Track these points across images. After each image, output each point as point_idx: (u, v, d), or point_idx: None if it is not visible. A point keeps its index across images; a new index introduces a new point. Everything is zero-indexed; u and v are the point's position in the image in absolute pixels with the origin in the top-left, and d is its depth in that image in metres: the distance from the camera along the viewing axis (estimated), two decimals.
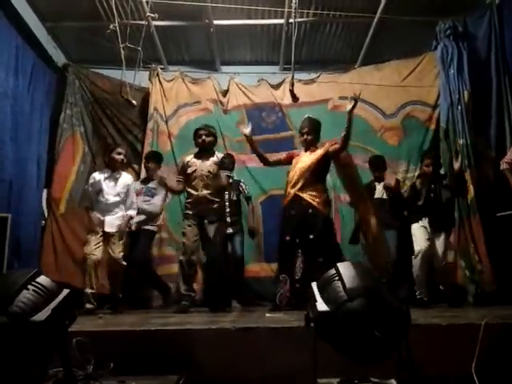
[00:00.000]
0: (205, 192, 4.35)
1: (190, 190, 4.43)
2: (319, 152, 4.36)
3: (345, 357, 1.66)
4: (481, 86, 5.30)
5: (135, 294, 5.13)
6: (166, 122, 6.20)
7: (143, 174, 5.62)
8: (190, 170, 4.44)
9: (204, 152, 4.49)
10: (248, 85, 6.45)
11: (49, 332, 1.64)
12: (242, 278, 5.34)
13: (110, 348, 2.24)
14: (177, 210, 5.52)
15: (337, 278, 1.73)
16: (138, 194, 5.02)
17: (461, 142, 5.20)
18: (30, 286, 1.69)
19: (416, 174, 5.59)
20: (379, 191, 5.07)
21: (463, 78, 5.34)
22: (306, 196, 4.22)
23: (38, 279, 1.74)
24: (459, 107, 5.27)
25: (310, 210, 4.18)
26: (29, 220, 5.27)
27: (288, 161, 4.52)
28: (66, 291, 1.80)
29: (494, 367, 2.20)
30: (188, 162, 4.51)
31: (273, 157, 4.75)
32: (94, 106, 6.19)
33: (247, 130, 4.45)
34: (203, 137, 4.49)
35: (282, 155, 4.68)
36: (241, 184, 5.36)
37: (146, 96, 6.26)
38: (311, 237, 4.13)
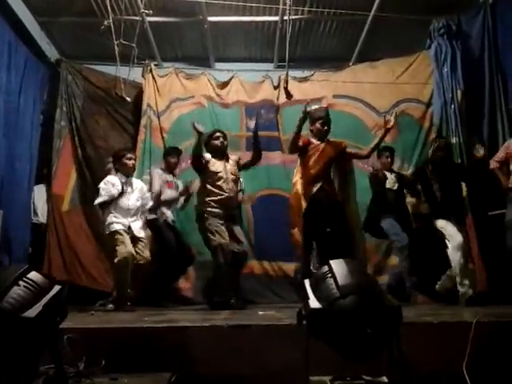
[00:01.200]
0: (232, 195, 4.45)
1: (214, 189, 4.41)
2: (342, 144, 4.50)
3: (337, 354, 1.67)
4: (474, 84, 5.34)
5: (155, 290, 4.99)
6: (159, 118, 6.16)
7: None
8: (212, 168, 4.45)
9: (221, 155, 4.53)
10: (251, 82, 6.42)
11: (40, 329, 1.62)
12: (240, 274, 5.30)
13: (101, 345, 2.23)
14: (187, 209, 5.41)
15: (329, 275, 1.73)
16: (169, 186, 5.09)
17: (454, 140, 5.23)
18: (20, 282, 1.68)
19: (409, 172, 5.59)
20: (391, 181, 5.01)
21: (457, 77, 5.37)
22: (329, 188, 4.36)
23: (29, 275, 1.72)
24: (452, 106, 5.30)
25: (334, 202, 4.32)
26: (20, 217, 5.25)
27: (304, 147, 4.44)
28: (57, 287, 1.78)
29: (485, 365, 2.21)
30: (209, 160, 4.50)
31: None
32: (87, 102, 6.15)
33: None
34: (221, 139, 4.55)
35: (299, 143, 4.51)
36: (240, 178, 5.33)
37: (139, 92, 6.22)
38: (328, 230, 4.26)
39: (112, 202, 4.42)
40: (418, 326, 2.41)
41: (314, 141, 4.48)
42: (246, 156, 4.85)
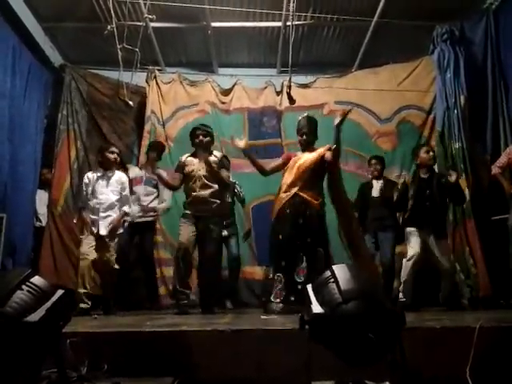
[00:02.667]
0: (203, 192, 4.33)
1: (188, 190, 4.41)
2: (319, 151, 4.34)
3: (339, 359, 1.67)
4: (477, 90, 5.33)
5: (128, 294, 5.10)
6: (163, 125, 6.17)
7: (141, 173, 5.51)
8: (187, 170, 4.41)
9: (201, 152, 4.45)
10: (254, 88, 6.43)
11: (43, 333, 1.63)
12: (237, 279, 5.33)
13: (104, 349, 2.23)
14: (172, 212, 5.50)
15: (332, 280, 1.73)
16: (137, 183, 5.10)
17: (456, 145, 5.22)
18: (24, 287, 1.68)
19: (407, 179, 5.59)
20: (376, 189, 5.03)
21: (460, 83, 5.36)
22: (305, 195, 4.19)
23: (33, 279, 1.73)
24: (455, 111, 5.29)
25: (308, 211, 4.16)
26: (23, 221, 5.27)
27: (286, 164, 4.47)
28: (60, 292, 1.79)
29: (489, 370, 2.20)
30: (185, 161, 4.47)
31: (269, 164, 4.63)
32: (90, 107, 6.17)
33: (242, 142, 4.37)
34: (200, 137, 4.46)
35: (279, 161, 4.60)
36: (236, 186, 5.35)
37: (143, 98, 6.24)
38: (309, 240, 4.10)
39: (89, 202, 4.48)
40: (420, 330, 2.41)
41: (298, 153, 4.49)
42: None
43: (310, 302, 1.73)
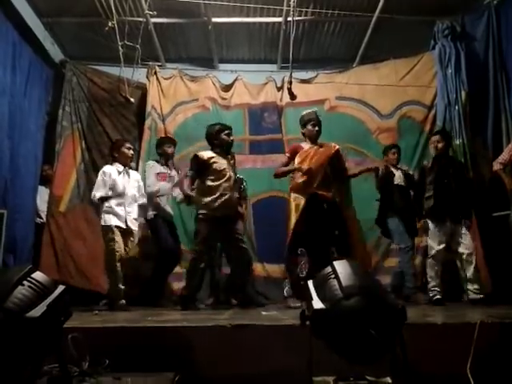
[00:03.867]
0: (231, 193, 4.33)
1: (214, 189, 4.27)
2: (335, 147, 4.51)
3: (340, 356, 1.67)
4: (478, 86, 5.32)
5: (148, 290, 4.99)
6: (163, 121, 6.16)
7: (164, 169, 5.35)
8: (217, 167, 4.30)
9: (226, 152, 4.44)
10: (254, 84, 6.41)
11: (44, 328, 1.63)
12: (248, 276, 5.27)
13: (105, 345, 2.24)
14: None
15: (333, 276, 1.73)
16: (163, 179, 5.02)
17: (457, 141, 5.21)
18: (25, 282, 1.69)
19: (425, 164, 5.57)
20: (398, 177, 5.00)
21: (461, 78, 5.35)
22: (324, 192, 4.31)
23: (34, 275, 1.73)
24: (456, 107, 5.28)
25: (328, 205, 4.29)
26: (24, 217, 5.26)
27: (294, 157, 4.53)
28: (61, 287, 1.79)
29: (489, 366, 2.21)
30: (210, 157, 4.34)
31: (280, 168, 4.69)
32: (91, 103, 6.15)
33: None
34: (230, 137, 4.46)
35: (284, 158, 4.67)
36: (243, 182, 5.31)
37: (144, 94, 6.22)
38: (336, 232, 4.25)
39: (111, 195, 4.43)
40: (421, 326, 2.41)
41: (304, 145, 4.49)
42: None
43: (311, 298, 1.73)
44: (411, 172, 5.32)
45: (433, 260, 4.45)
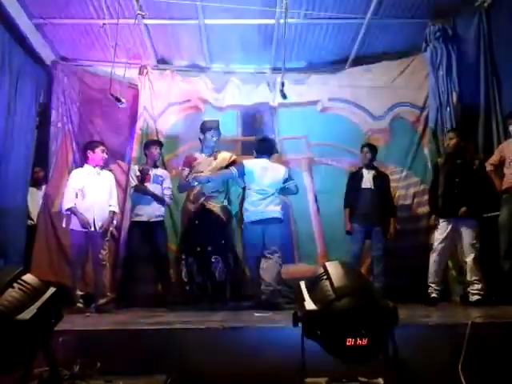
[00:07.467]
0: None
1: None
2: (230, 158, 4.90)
3: (332, 355, 1.67)
4: (469, 87, 5.35)
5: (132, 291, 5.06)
6: (155, 121, 6.15)
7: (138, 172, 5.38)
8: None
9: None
10: (247, 85, 6.40)
11: (34, 331, 1.62)
12: None
13: (97, 347, 2.22)
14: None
15: (325, 277, 1.73)
16: (147, 181, 5.05)
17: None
18: (15, 284, 1.67)
19: (403, 175, 5.62)
20: (367, 180, 5.00)
21: (452, 80, 5.39)
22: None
23: (24, 277, 1.72)
24: (448, 108, 5.32)
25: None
26: (15, 219, 5.21)
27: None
28: (52, 289, 1.78)
29: (481, 366, 2.22)
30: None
31: None
32: (83, 104, 6.13)
33: None
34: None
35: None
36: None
37: (135, 94, 6.20)
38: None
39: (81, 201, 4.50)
40: (413, 326, 2.42)
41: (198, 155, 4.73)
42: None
43: (303, 299, 1.73)
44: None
45: (437, 256, 4.48)
